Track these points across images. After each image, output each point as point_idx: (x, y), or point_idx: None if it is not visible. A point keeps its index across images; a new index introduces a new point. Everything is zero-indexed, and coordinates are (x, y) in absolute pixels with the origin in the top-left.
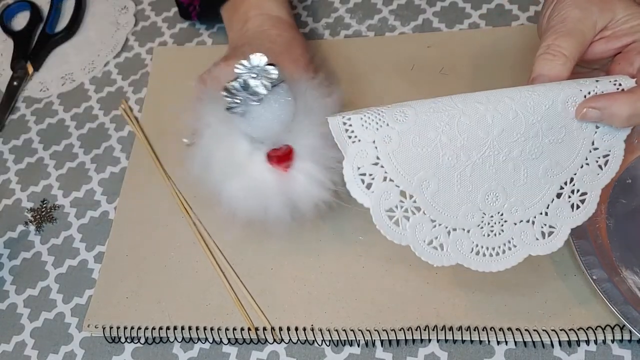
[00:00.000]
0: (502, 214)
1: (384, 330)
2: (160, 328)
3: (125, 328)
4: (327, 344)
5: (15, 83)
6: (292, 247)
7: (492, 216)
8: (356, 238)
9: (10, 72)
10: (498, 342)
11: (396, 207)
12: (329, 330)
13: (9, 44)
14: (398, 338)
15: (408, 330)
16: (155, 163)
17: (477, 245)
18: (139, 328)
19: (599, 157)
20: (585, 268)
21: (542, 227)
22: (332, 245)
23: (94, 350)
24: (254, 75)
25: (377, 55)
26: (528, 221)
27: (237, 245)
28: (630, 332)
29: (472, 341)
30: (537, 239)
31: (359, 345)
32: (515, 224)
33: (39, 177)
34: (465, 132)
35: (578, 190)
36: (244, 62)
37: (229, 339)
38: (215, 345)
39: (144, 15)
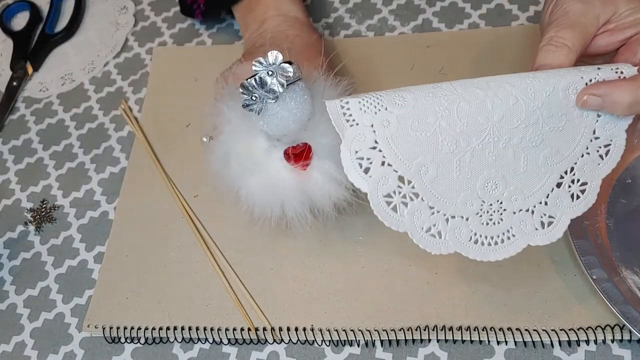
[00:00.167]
0: (501, 203)
1: (384, 330)
2: (160, 328)
3: (125, 328)
4: (327, 344)
5: (14, 83)
6: (292, 247)
7: (491, 204)
8: (356, 238)
9: (10, 72)
10: (498, 342)
11: (394, 192)
12: (329, 331)
13: (9, 44)
14: (398, 338)
15: (408, 330)
16: (155, 163)
17: (475, 234)
18: (139, 328)
19: (600, 147)
20: (585, 268)
21: (541, 217)
22: (332, 245)
23: (93, 351)
24: (271, 73)
25: (377, 55)
26: (527, 210)
27: (237, 245)
28: (630, 332)
29: (472, 341)
30: (536, 229)
31: (359, 346)
32: (515, 213)
33: (38, 178)
34: (465, 118)
35: (578, 180)
36: (261, 59)
37: (229, 339)
38: (215, 346)
39: (144, 15)
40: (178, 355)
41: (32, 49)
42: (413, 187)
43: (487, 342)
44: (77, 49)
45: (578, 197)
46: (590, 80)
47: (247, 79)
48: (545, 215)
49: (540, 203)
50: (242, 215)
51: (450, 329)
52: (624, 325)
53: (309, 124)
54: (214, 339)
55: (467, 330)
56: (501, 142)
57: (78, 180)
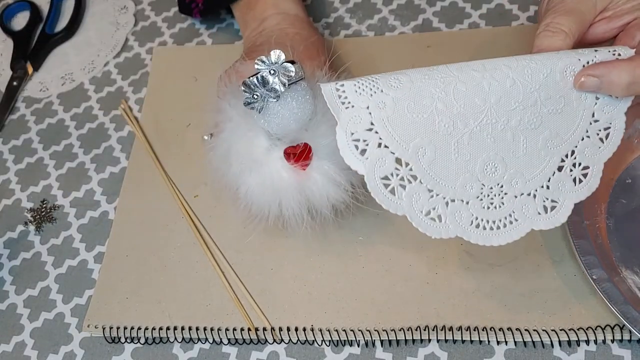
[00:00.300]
0: (502, 186)
1: (384, 330)
2: (160, 328)
3: (125, 328)
4: (327, 344)
5: (15, 83)
6: (292, 247)
7: (491, 188)
8: (356, 238)
9: (10, 72)
10: (498, 342)
11: (392, 174)
12: (329, 331)
13: (9, 44)
14: (398, 338)
15: (408, 330)
16: (155, 163)
17: (476, 218)
18: (139, 328)
19: (600, 130)
20: (585, 268)
21: (544, 201)
22: (332, 245)
23: (93, 351)
24: (273, 72)
25: (377, 55)
26: (529, 194)
27: (237, 245)
28: (630, 332)
29: (472, 341)
30: (539, 213)
31: (359, 346)
32: (516, 197)
33: (38, 177)
34: (462, 99)
35: (580, 164)
36: (264, 58)
37: (229, 339)
38: (215, 346)
39: (144, 15)
40: (178, 355)
41: (32, 49)
42: (411, 170)
43: (487, 342)
44: (77, 48)
45: (580, 181)
46: (588, 62)
47: (249, 77)
48: (547, 199)
49: (542, 187)
50: (240, 213)
51: (450, 329)
52: (624, 325)
53: (310, 124)
54: (214, 339)
55: (467, 330)
56: (499, 124)
57: (78, 180)
